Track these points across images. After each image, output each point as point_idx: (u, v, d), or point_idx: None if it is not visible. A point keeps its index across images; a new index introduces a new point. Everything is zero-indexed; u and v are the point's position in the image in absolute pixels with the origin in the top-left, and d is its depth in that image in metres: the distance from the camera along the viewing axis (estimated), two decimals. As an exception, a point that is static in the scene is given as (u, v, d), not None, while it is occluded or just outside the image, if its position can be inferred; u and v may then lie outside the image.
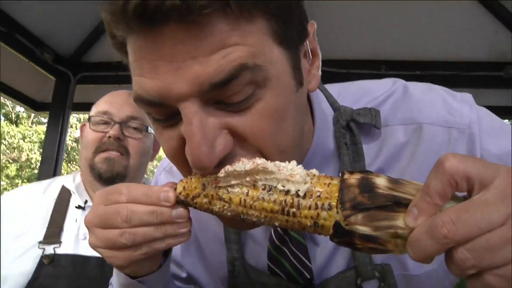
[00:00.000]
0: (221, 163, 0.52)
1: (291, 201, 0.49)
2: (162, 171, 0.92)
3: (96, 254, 1.14)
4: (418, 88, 0.75)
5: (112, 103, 1.31)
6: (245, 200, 0.51)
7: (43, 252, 1.13)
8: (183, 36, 0.48)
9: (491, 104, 3.51)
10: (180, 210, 0.55)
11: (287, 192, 0.49)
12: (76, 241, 1.20)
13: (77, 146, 15.70)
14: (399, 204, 0.44)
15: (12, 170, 18.47)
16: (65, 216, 1.22)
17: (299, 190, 0.48)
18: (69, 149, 16.54)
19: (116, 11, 0.48)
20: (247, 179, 0.51)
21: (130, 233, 0.55)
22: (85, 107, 3.95)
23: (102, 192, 0.61)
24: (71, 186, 1.30)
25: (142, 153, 1.35)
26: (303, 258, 0.70)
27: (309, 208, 0.48)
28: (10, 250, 1.13)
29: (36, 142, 18.71)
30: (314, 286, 0.70)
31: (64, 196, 1.27)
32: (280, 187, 0.50)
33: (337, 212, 0.47)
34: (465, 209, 0.41)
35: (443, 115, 0.71)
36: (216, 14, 0.48)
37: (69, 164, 16.84)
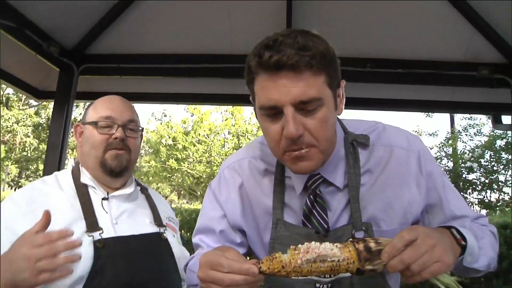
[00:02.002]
0: (297, 140, 1.00)
1: (335, 265, 0.93)
2: (225, 168, 1.29)
3: (136, 232, 1.47)
4: (392, 127, 1.25)
5: (113, 109, 1.55)
6: (310, 270, 0.93)
7: (93, 238, 1.37)
8: (290, 76, 0.97)
9: (465, 100, 3.81)
10: (261, 277, 0.95)
11: (334, 260, 0.93)
12: (112, 226, 1.44)
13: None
14: (380, 252, 0.92)
15: (1, 152, 18.54)
16: (93, 207, 1.45)
17: (336, 259, 0.93)
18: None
19: (262, 61, 0.97)
20: (310, 259, 0.92)
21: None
22: (88, 96, 4.19)
23: (205, 260, 0.97)
24: (88, 182, 1.52)
25: (138, 149, 1.64)
26: (324, 216, 1.14)
27: (346, 265, 0.93)
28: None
29: (30, 126, 18.78)
30: (329, 232, 1.12)
31: (83, 190, 1.49)
32: (327, 259, 0.93)
33: (358, 263, 0.92)
34: (411, 251, 0.89)
35: (405, 144, 1.20)
36: (305, 69, 0.97)
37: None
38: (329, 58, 1.01)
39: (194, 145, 14.43)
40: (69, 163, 1.62)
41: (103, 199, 1.50)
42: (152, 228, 1.54)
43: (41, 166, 19.89)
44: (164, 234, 1.55)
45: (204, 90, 4.07)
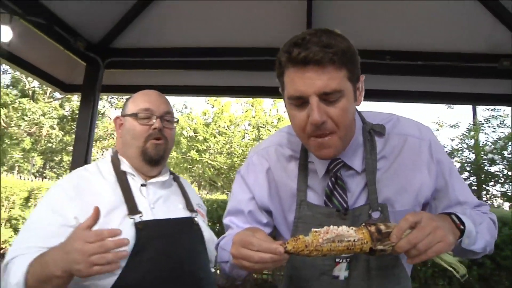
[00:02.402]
0: (321, 126, 1.13)
1: (351, 244, 1.05)
2: (254, 154, 1.43)
3: (171, 216, 1.58)
4: (405, 119, 1.38)
5: (151, 102, 1.67)
6: (330, 248, 1.04)
7: (134, 221, 1.49)
8: (315, 70, 1.09)
9: (486, 92, 3.80)
10: (286, 256, 1.06)
11: (351, 241, 1.05)
12: (150, 210, 1.56)
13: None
14: (389, 234, 1.05)
15: (27, 143, 19.04)
16: (132, 193, 1.57)
17: (352, 239, 1.05)
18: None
19: (292, 56, 1.10)
20: (330, 239, 1.04)
21: (257, 266, 1.07)
22: (113, 89, 4.32)
23: (238, 239, 1.10)
24: (127, 169, 1.64)
25: (173, 139, 1.75)
26: (344, 197, 1.27)
27: (360, 244, 1.05)
28: (108, 222, 1.44)
29: (55, 118, 19.20)
30: (348, 211, 1.25)
31: (122, 177, 1.61)
32: (344, 239, 1.05)
33: (370, 243, 1.05)
34: (417, 232, 1.01)
35: (417, 133, 1.32)
36: (328, 64, 1.09)
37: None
38: (349, 55, 1.13)
39: (215, 137, 14.55)
40: (107, 153, 1.73)
41: (141, 185, 1.62)
42: (184, 213, 1.66)
43: (65, 157, 20.37)
44: (196, 219, 1.66)
45: (224, 82, 4.14)
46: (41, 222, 1.44)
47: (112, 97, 20.12)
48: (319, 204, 1.29)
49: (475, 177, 10.82)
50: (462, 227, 1.12)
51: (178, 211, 1.65)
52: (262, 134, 14.25)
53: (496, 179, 10.91)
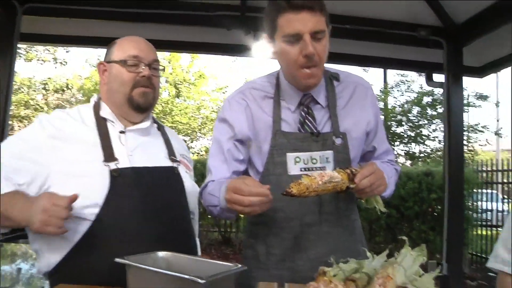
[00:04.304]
0: (312, 57, 1.40)
1: (336, 184, 1.29)
2: (231, 98, 1.63)
3: (150, 164, 1.60)
4: (353, 73, 1.71)
5: (140, 49, 1.64)
6: (323, 188, 1.26)
7: (109, 168, 1.47)
8: (308, 13, 1.37)
9: (405, 58, 4.12)
10: (271, 200, 1.29)
11: (336, 181, 1.29)
12: (127, 157, 1.54)
13: None
14: (355, 176, 1.34)
15: None
16: (110, 140, 1.54)
17: (338, 180, 1.28)
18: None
19: (291, 3, 1.37)
20: (326, 181, 1.26)
21: (247, 209, 1.28)
22: (32, 38, 3.98)
23: (231, 186, 1.31)
24: (107, 116, 1.61)
25: (159, 87, 1.75)
26: (315, 124, 1.54)
27: (342, 184, 1.31)
28: (84, 169, 1.44)
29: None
30: (319, 135, 1.53)
31: (102, 124, 1.58)
32: (333, 180, 1.28)
33: (347, 182, 1.32)
34: (373, 177, 1.38)
35: (365, 83, 1.68)
36: (317, 10, 1.37)
37: None
38: (325, 5, 1.45)
39: (132, 93, 13.98)
40: (92, 98, 1.69)
41: (120, 132, 1.60)
42: (166, 162, 1.65)
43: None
44: (178, 169, 1.66)
45: (145, 35, 3.94)
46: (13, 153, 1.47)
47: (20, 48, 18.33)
48: (294, 131, 1.55)
49: (382, 137, 11.69)
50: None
51: (159, 159, 1.64)
52: (181, 91, 13.98)
53: (401, 139, 11.93)
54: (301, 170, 1.49)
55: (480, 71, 4.24)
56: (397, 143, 12.03)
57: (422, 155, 11.95)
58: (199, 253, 1.82)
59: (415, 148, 12.04)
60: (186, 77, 14.33)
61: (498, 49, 3.81)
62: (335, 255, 1.28)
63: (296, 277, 1.48)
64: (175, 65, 14.16)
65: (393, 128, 11.93)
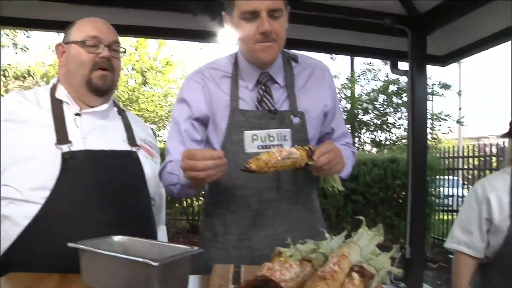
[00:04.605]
0: (268, 34, 1.42)
1: (295, 160, 1.30)
2: (189, 78, 1.63)
3: (104, 148, 1.54)
4: (312, 58, 1.72)
5: (99, 29, 1.58)
6: (282, 164, 1.27)
7: (61, 150, 1.42)
8: None
9: (371, 46, 4.16)
10: (226, 162, 1.30)
11: (295, 157, 1.30)
12: (82, 140, 1.48)
13: None
14: (313, 153, 1.34)
15: None
16: (65, 122, 1.49)
17: (296, 156, 1.30)
18: None
19: None
20: (284, 156, 1.27)
21: (203, 174, 1.26)
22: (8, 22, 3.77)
23: (186, 153, 1.29)
24: (62, 97, 1.54)
25: (120, 69, 1.71)
26: (273, 102, 1.55)
27: (301, 160, 1.32)
28: (36, 151, 1.39)
29: None
30: (276, 113, 1.54)
31: (57, 106, 1.52)
32: (292, 156, 1.29)
33: (306, 159, 1.33)
34: (331, 154, 1.39)
35: (322, 65, 1.71)
36: None
37: None
38: None
39: (97, 81, 13.63)
40: (51, 81, 1.64)
41: (75, 114, 1.55)
42: (124, 146, 1.61)
43: None
44: (137, 153, 1.62)
45: (111, 20, 3.84)
46: None
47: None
48: (252, 109, 1.56)
49: (349, 125, 11.89)
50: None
51: (116, 143, 1.60)
52: (148, 79, 13.73)
53: (367, 127, 12.14)
54: (258, 148, 1.51)
55: (443, 60, 4.33)
56: (363, 130, 12.24)
57: (388, 142, 12.19)
58: (166, 240, 1.80)
59: (381, 135, 12.28)
60: (153, 64, 14.07)
61: (460, 38, 3.89)
62: (293, 234, 1.32)
63: (255, 256, 1.49)
64: (142, 52, 13.88)
65: (359, 116, 12.11)
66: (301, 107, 1.58)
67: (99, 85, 1.57)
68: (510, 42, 3.71)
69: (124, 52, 1.70)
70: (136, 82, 13.58)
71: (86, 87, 1.57)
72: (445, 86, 12.37)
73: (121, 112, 1.74)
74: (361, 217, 1.21)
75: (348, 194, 6.73)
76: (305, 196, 1.61)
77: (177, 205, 7.97)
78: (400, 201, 6.88)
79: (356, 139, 12.21)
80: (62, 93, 1.57)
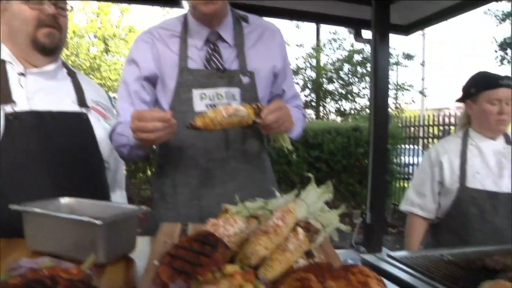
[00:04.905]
0: (216, 15, 1.49)
1: (242, 118, 1.30)
2: (138, 38, 1.59)
3: (51, 109, 1.47)
4: (264, 19, 1.72)
5: None
6: (228, 122, 1.26)
7: (4, 111, 1.35)
8: None
9: (336, 14, 4.12)
10: (175, 123, 1.29)
11: (242, 115, 1.29)
12: (27, 100, 1.41)
13: None
14: (261, 111, 1.34)
15: None
16: (8, 82, 1.40)
17: (244, 114, 1.29)
18: None
19: None
20: (231, 113, 1.27)
21: (153, 135, 1.25)
22: None
23: (135, 115, 1.27)
24: (5, 57, 1.44)
25: (67, 28, 1.60)
26: (221, 61, 1.54)
27: (248, 118, 1.30)
28: None
29: None
30: (225, 72, 1.53)
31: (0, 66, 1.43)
32: (238, 113, 1.29)
33: (254, 116, 1.32)
34: (280, 112, 1.39)
35: (273, 26, 1.70)
36: None
37: None
38: None
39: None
40: None
41: (19, 74, 1.46)
42: (72, 107, 1.54)
43: None
44: (87, 115, 1.55)
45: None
46: None
47: None
48: (200, 68, 1.54)
49: (315, 94, 11.96)
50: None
51: (65, 104, 1.52)
52: (110, 47, 13.27)
53: (332, 96, 12.24)
54: (207, 107, 1.49)
55: (406, 29, 4.35)
56: (328, 99, 12.34)
57: (352, 112, 12.37)
58: None
59: (346, 105, 12.43)
60: (116, 32, 13.58)
61: (424, 7, 3.91)
62: (243, 192, 1.32)
63: (205, 215, 1.48)
64: (104, 19, 13.36)
65: (324, 86, 12.18)
66: (250, 66, 1.58)
67: (46, 44, 1.48)
68: (471, 12, 3.76)
69: (71, 10, 1.61)
70: (98, 50, 13.10)
71: (32, 46, 1.48)
72: (409, 57, 12.58)
73: (71, 74, 1.66)
74: (310, 174, 1.20)
75: (312, 162, 6.81)
76: (255, 155, 1.62)
77: (141, 174, 7.88)
78: (363, 169, 7.05)
79: (321, 108, 12.32)
80: (4, 53, 1.47)
